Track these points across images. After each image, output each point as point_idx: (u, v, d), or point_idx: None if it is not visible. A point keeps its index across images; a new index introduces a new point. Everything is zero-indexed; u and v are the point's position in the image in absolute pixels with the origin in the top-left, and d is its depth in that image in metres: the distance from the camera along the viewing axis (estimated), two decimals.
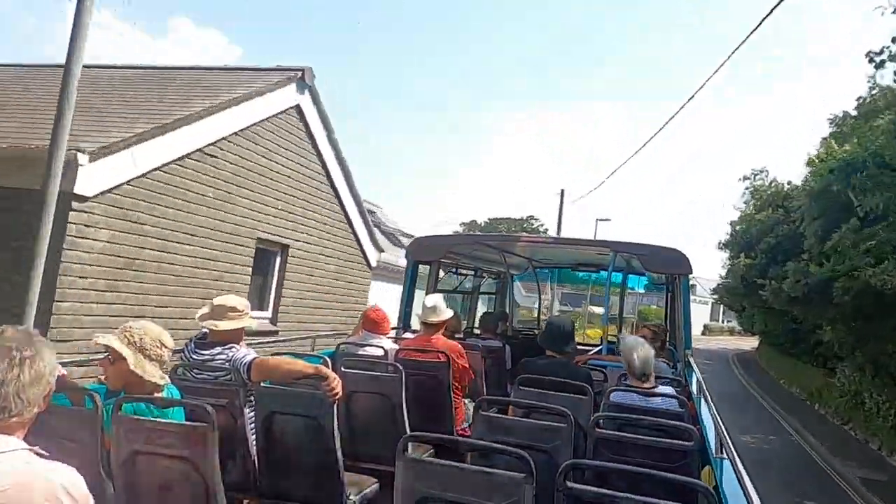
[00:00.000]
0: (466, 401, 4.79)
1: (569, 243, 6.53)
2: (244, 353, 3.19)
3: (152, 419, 2.44)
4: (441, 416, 4.37)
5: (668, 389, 3.87)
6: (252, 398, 3.15)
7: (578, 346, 7.18)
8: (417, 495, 2.08)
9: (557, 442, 2.89)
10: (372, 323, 4.72)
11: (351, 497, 3.18)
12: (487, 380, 5.46)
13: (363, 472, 3.67)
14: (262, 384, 3.16)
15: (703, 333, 57.02)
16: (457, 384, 4.48)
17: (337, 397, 3.00)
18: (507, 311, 8.63)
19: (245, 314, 3.30)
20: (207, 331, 3.28)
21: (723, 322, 64.08)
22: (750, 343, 42.99)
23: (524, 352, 6.43)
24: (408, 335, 5.10)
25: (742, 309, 32.75)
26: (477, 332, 7.85)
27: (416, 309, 5.57)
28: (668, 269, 6.21)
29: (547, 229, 67.44)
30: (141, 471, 2.38)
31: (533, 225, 69.05)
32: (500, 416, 3.16)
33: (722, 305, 59.91)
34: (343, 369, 3.93)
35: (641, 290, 10.68)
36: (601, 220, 32.50)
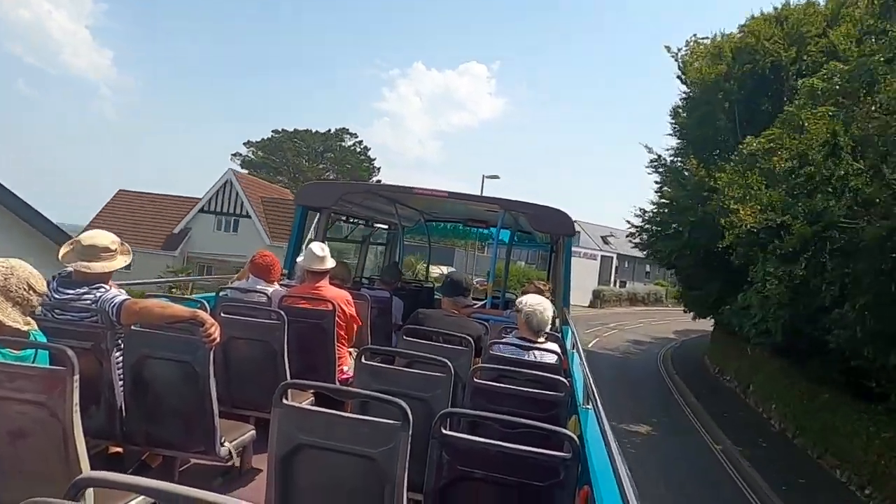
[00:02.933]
0: (352, 350, 4.79)
1: (461, 198, 6.59)
2: (114, 293, 2.99)
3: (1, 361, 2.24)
4: (323, 365, 4.35)
5: (555, 346, 4.06)
6: (120, 342, 2.98)
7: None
8: (294, 442, 2.06)
9: (437, 391, 2.96)
10: (259, 268, 4.57)
11: (225, 443, 3.12)
12: (374, 331, 5.48)
13: (240, 419, 3.61)
14: (132, 327, 3.00)
15: (595, 304, 43.03)
16: (342, 333, 4.46)
17: (214, 343, 2.90)
18: (398, 263, 8.66)
19: (118, 253, 3.09)
20: (71, 269, 3.04)
21: (616, 285, 52.47)
22: (668, 320, 36.47)
23: (412, 304, 6.52)
24: (294, 283, 4.98)
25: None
26: (366, 282, 7.85)
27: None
28: (553, 230, 6.44)
29: (367, 148, 54.41)
30: None
31: (346, 142, 53.15)
32: (381, 365, 3.18)
33: (614, 262, 49.40)
34: (223, 314, 3.80)
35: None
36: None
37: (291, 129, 51.90)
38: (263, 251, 4.79)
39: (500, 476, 2.08)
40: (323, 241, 6.10)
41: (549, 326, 5.04)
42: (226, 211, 36.30)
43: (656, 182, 23.57)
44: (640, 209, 23.75)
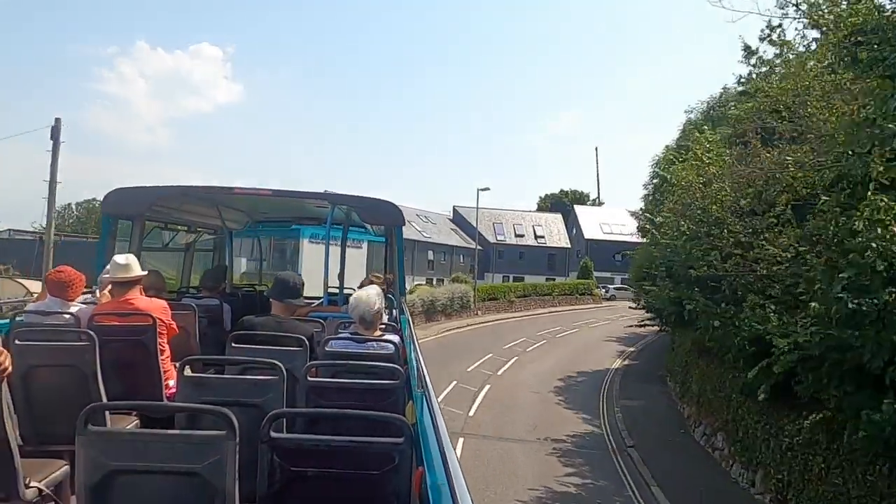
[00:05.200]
0: (178, 364, 4.49)
1: (287, 195, 6.41)
2: None
3: None
4: (148, 383, 4.04)
5: (394, 337, 4.08)
6: None
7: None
8: (104, 470, 1.90)
9: (269, 395, 2.87)
10: (56, 286, 4.11)
11: (31, 484, 2.79)
12: (204, 340, 5.19)
13: (51, 457, 3.25)
14: None
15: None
16: (164, 345, 4.16)
17: (4, 374, 2.57)
18: (227, 267, 8.23)
19: None
20: None
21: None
22: (506, 350, 26.65)
23: (246, 310, 6.28)
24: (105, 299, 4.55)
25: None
26: (193, 290, 7.39)
27: None
28: (383, 221, 6.49)
29: None
30: None
31: None
32: (205, 375, 3.02)
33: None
34: (17, 342, 3.38)
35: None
36: None
37: None
38: (60, 266, 4.32)
39: (335, 471, 2.07)
40: (138, 252, 5.65)
41: (387, 316, 5.10)
42: None
43: None
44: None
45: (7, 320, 4.06)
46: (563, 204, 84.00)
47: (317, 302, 6.81)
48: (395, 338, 4.12)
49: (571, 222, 71.84)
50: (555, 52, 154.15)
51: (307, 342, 3.78)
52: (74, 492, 3.18)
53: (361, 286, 6.20)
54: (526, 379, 23.02)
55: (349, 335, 3.95)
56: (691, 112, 27.12)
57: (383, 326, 4.36)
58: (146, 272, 4.47)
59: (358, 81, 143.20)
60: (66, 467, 3.15)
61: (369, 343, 3.87)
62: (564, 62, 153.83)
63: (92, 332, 3.58)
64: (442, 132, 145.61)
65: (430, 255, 48.91)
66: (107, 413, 1.99)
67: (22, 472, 2.73)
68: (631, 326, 29.90)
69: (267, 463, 2.04)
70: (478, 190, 42.42)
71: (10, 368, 2.60)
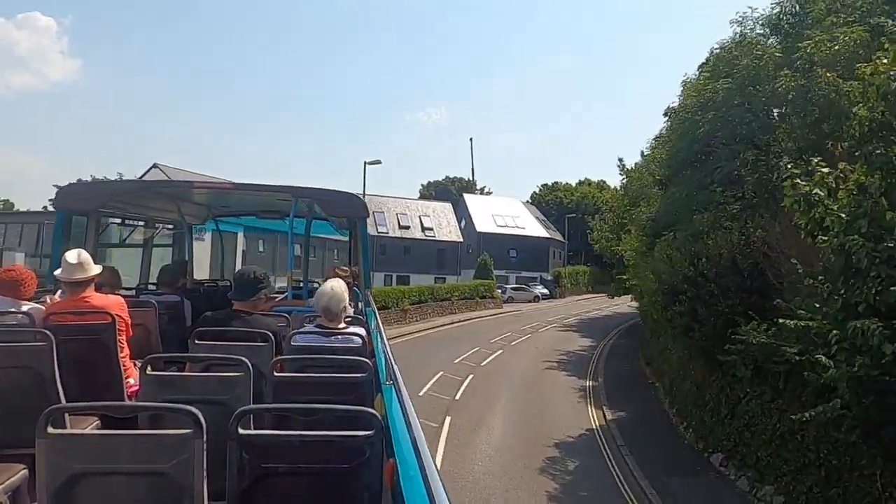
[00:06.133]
0: (138, 361, 4.39)
1: (249, 189, 6.31)
2: None
3: None
4: (108, 383, 3.94)
5: (360, 329, 4.05)
6: None
7: None
8: (67, 473, 1.85)
9: (236, 391, 2.83)
10: (7, 285, 3.97)
11: None
12: (165, 338, 5.09)
13: (10, 461, 3.15)
14: None
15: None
16: (123, 343, 4.06)
17: None
18: (188, 262, 8.06)
19: None
20: None
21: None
22: None
23: (209, 306, 6.16)
24: (58, 298, 4.42)
25: None
26: (153, 287, 7.23)
27: None
28: (347, 214, 6.45)
29: None
30: None
31: None
32: (168, 373, 2.96)
33: (241, 240, 21.54)
34: None
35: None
36: None
37: None
38: (11, 265, 4.17)
39: (306, 466, 2.05)
40: (94, 249, 5.49)
41: (352, 309, 5.07)
42: None
43: None
44: None
45: None
46: (449, 193, 76.82)
47: (281, 296, 6.74)
48: (362, 330, 4.10)
49: (461, 213, 62.61)
50: (428, 47, 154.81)
51: (272, 337, 3.73)
52: (35, 497, 3.11)
53: (327, 279, 6.17)
54: (487, 474, 13.17)
55: (315, 327, 3.91)
56: (741, 23, 19.27)
57: (349, 319, 4.33)
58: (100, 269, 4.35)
59: (209, 60, 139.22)
60: (25, 471, 3.06)
61: (335, 336, 3.85)
62: (434, 58, 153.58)
63: (48, 332, 3.47)
64: (302, 114, 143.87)
65: (298, 251, 34.05)
66: (66, 415, 1.94)
67: None
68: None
69: (236, 460, 2.01)
70: (365, 164, 31.12)
71: None
